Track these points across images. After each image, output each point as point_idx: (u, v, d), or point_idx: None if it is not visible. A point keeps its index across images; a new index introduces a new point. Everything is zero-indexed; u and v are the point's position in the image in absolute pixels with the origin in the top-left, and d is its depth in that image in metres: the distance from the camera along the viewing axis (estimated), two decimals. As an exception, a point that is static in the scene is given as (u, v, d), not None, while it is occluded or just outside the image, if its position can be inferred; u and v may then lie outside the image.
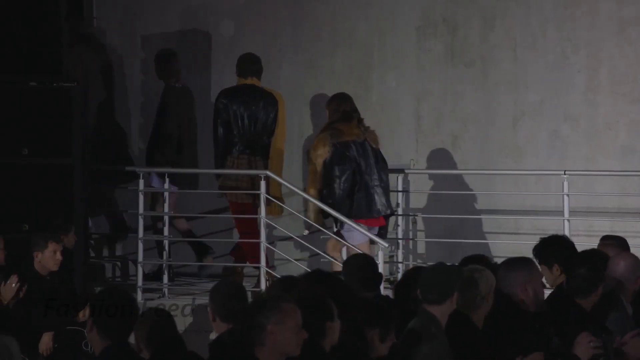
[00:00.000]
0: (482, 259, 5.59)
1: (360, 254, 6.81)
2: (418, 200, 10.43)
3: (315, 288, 4.82)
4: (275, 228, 9.79)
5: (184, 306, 9.11)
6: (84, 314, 7.79)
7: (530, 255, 6.76)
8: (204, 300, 9.05)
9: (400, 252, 10.10)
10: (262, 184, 9.34)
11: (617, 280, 5.69)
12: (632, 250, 7.08)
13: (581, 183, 9.64)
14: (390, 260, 10.14)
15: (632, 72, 9.73)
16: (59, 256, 7.93)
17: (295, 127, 10.78)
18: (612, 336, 5.17)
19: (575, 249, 6.40)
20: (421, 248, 10.43)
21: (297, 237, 9.67)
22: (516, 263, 5.43)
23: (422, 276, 5.03)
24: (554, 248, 6.37)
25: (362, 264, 5.68)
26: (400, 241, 10.11)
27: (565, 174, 9.22)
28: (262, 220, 9.35)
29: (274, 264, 9.91)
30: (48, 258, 7.91)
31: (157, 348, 4.86)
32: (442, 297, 4.88)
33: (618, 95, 9.79)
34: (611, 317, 5.53)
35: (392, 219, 10.38)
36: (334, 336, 4.50)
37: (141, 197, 9.56)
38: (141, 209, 9.57)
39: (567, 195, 9.18)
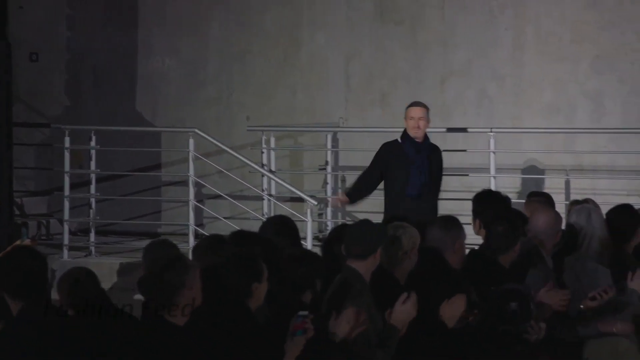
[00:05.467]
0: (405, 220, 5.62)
1: (276, 215, 6.85)
2: (347, 158, 10.47)
3: (248, 248, 4.85)
4: (204, 186, 9.78)
5: (110, 264, 9.06)
6: None
7: (458, 212, 6.84)
8: (130, 259, 9.02)
9: (329, 210, 10.15)
10: (191, 141, 9.31)
11: (538, 236, 5.78)
12: (558, 206, 7.21)
13: (507, 141, 9.75)
14: (320, 218, 10.18)
15: (558, 31, 9.83)
16: None
17: (224, 85, 10.73)
18: (530, 291, 5.29)
19: (503, 206, 6.46)
20: (350, 206, 10.47)
21: (226, 195, 9.67)
22: (450, 222, 5.50)
23: (347, 232, 5.07)
24: (478, 203, 6.46)
25: (278, 222, 5.72)
26: (329, 199, 10.14)
27: (491, 132, 9.30)
28: (190, 178, 9.32)
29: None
30: None
31: (81, 305, 4.84)
32: (366, 252, 4.92)
33: (544, 54, 9.88)
34: (530, 273, 5.63)
35: (321, 177, 10.43)
36: (260, 297, 4.53)
37: (67, 155, 9.46)
38: (67, 167, 9.47)
39: (494, 152, 9.27)
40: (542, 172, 9.79)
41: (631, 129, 9.38)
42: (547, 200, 6.99)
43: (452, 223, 5.46)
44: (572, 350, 5.59)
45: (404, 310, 4.82)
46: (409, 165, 7.79)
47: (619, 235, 6.01)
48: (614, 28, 9.61)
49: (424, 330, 4.97)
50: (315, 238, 9.47)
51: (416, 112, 8.01)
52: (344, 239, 5.04)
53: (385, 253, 5.00)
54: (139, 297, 4.62)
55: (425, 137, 8.02)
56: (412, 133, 7.95)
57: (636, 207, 6.49)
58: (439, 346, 5.00)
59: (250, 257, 4.59)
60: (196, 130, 9.39)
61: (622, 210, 6.20)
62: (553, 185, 9.42)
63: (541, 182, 9.63)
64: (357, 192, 8.21)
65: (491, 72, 10.05)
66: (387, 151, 8.04)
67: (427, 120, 7.98)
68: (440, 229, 5.42)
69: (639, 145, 9.39)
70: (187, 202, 9.42)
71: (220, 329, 4.35)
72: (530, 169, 9.85)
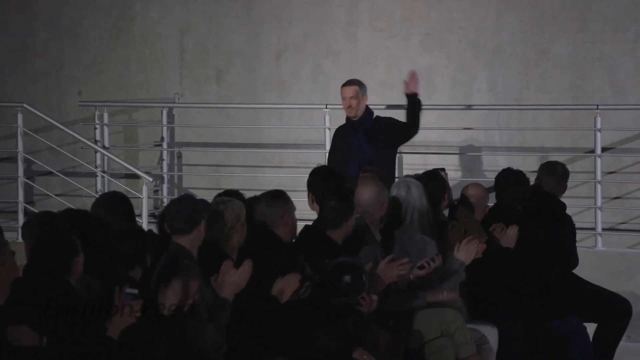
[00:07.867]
0: (236, 194, 5.63)
1: (109, 192, 6.77)
2: (183, 135, 10.40)
3: (58, 224, 4.79)
4: (34, 163, 9.56)
5: None
6: None
7: (294, 187, 6.87)
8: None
9: (165, 187, 10.07)
10: (19, 116, 9.09)
11: (364, 209, 5.88)
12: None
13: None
14: (155, 194, 10.09)
15: (389, 7, 9.98)
16: None
17: (55, 60, 10.48)
18: (364, 265, 5.39)
19: (337, 182, 6.54)
20: (187, 182, 10.42)
21: (58, 172, 9.47)
22: (274, 197, 5.52)
23: (169, 208, 5.05)
24: (313, 178, 6.52)
25: (111, 198, 5.65)
26: (165, 175, 10.07)
27: (327, 108, 9.40)
28: (19, 154, 9.10)
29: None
30: None
31: None
32: (189, 227, 4.90)
33: (376, 30, 10.02)
34: (363, 250, 5.73)
35: (157, 153, 10.33)
36: (79, 270, 4.50)
37: None
38: None
39: (329, 128, 9.37)
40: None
41: (458, 105, 9.63)
42: (376, 176, 7.09)
43: (276, 197, 5.48)
44: (402, 321, 5.72)
45: (232, 282, 4.82)
46: (348, 147, 7.63)
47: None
48: (442, 6, 9.82)
49: (256, 304, 4.99)
50: (151, 215, 9.38)
51: (346, 92, 7.79)
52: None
53: (210, 229, 4.99)
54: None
55: (366, 113, 7.76)
56: (346, 113, 7.81)
57: (466, 183, 6.70)
58: (271, 319, 5.03)
59: (64, 232, 4.57)
60: (25, 105, 9.16)
61: (429, 176, 6.36)
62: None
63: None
64: None
65: (326, 48, 10.13)
66: (336, 136, 7.89)
67: (360, 98, 7.72)
68: (265, 204, 5.44)
69: (465, 121, 9.66)
70: (16, 179, 9.19)
71: (42, 305, 4.29)
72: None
